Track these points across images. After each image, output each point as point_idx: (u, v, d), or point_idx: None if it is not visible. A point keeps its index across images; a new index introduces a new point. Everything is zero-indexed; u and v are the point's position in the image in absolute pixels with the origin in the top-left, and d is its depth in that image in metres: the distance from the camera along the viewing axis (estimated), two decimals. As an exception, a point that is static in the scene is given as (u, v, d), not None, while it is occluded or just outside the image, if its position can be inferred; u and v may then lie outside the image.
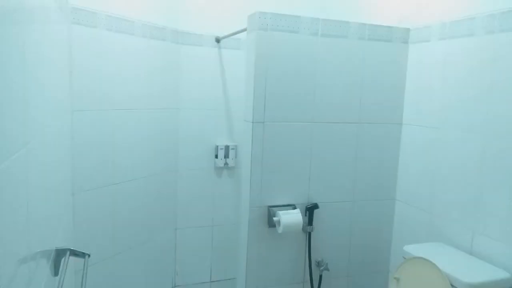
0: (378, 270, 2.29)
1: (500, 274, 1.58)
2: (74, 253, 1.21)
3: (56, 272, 1.11)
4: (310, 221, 2.07)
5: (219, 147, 2.67)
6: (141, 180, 2.31)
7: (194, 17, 2.56)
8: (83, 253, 1.22)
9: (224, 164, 2.70)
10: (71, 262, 1.23)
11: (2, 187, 0.60)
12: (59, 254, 1.16)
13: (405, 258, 1.81)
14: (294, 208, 2.03)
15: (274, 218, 1.97)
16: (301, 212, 2.01)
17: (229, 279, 2.77)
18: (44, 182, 1.04)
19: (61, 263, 1.14)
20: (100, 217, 2.04)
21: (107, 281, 2.12)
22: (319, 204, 2.07)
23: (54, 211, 1.25)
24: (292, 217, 1.97)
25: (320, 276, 2.15)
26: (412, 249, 1.81)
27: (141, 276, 2.39)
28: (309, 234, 2.11)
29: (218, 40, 2.62)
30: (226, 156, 2.69)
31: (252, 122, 1.91)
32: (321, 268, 2.15)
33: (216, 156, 2.67)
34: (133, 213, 2.26)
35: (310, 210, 2.07)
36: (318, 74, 2.01)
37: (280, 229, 1.96)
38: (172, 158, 2.59)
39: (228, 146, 2.69)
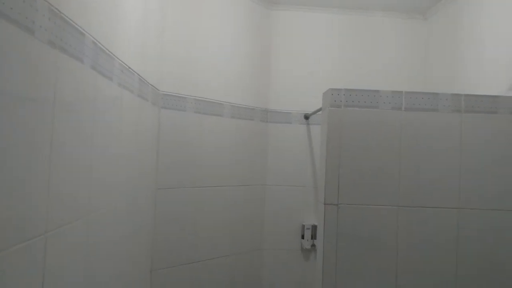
0: None
1: None
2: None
3: None
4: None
5: (305, 227, 2.52)
6: (224, 259, 2.28)
7: (282, 97, 2.61)
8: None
9: (311, 245, 2.52)
10: None
11: None
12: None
13: None
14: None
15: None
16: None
17: None
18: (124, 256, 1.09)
19: None
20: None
21: None
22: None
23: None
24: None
25: None
26: None
27: None
28: None
29: (307, 117, 2.60)
30: (314, 237, 2.51)
31: (324, 204, 1.76)
32: None
33: (303, 237, 2.52)
34: (211, 292, 2.22)
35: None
36: (403, 151, 1.79)
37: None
38: (257, 237, 2.53)
39: (316, 226, 2.52)
